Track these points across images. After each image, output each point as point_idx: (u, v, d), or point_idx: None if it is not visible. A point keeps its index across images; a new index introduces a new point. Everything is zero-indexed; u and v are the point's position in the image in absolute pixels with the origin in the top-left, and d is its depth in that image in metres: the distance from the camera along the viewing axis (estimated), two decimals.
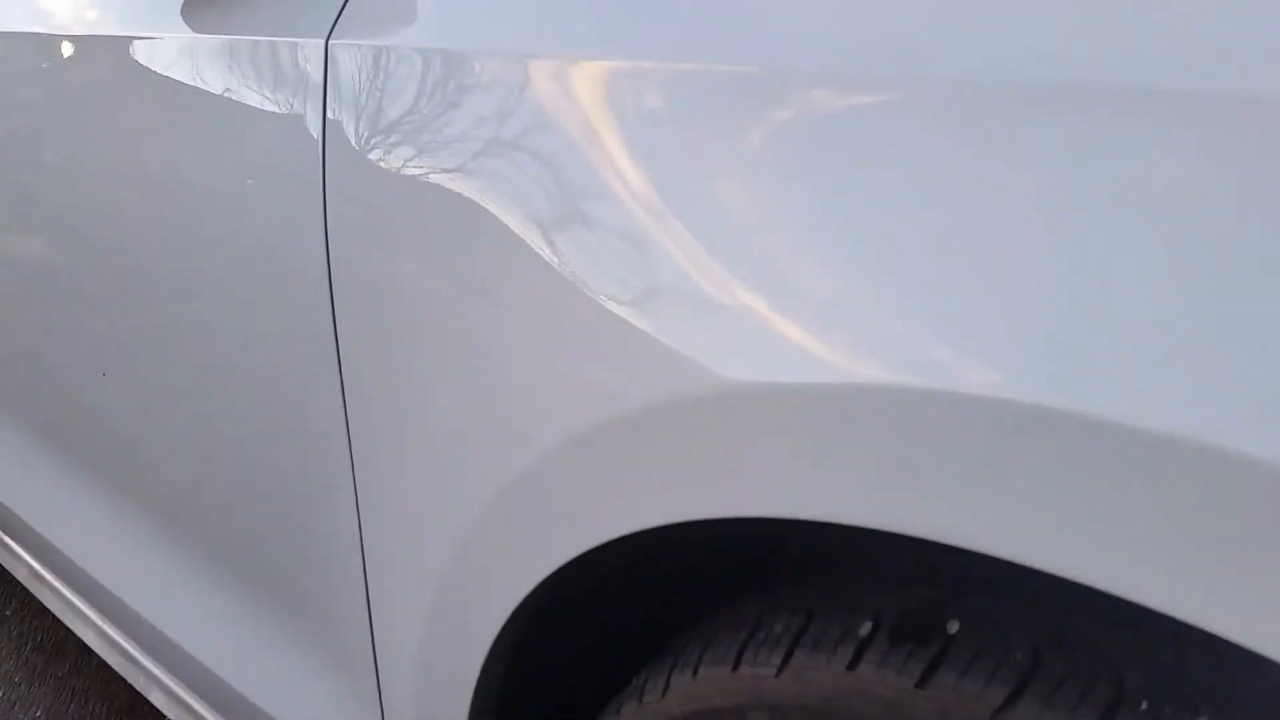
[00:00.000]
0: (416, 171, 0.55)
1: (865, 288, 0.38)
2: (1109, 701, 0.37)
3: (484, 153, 0.52)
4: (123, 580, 0.97)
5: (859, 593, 0.47)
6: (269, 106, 0.64)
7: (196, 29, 0.72)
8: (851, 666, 0.43)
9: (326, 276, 0.60)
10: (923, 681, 0.40)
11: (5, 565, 1.29)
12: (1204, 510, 0.31)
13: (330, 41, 0.60)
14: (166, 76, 0.73)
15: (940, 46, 0.38)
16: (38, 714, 1.37)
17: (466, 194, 0.52)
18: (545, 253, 0.49)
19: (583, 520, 0.50)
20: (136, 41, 0.77)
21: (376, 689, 0.69)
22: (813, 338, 0.39)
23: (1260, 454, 0.29)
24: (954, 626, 0.42)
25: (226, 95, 0.68)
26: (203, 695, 0.92)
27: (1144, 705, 0.36)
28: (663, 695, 0.51)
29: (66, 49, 0.86)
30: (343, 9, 0.61)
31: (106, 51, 0.81)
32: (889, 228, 0.38)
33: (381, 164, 0.57)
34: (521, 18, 0.52)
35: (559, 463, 0.50)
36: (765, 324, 0.41)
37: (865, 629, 0.44)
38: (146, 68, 0.76)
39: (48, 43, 0.89)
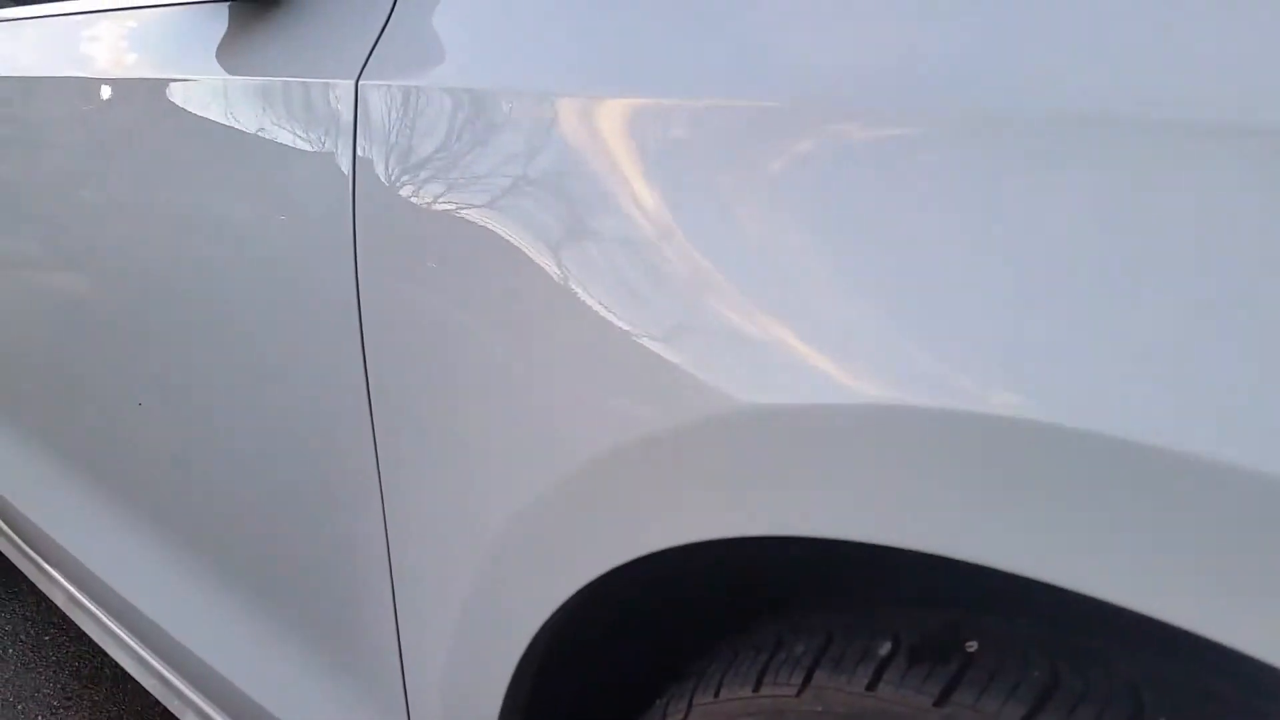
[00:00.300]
0: (444, 207, 0.57)
1: (881, 312, 0.40)
2: (1127, 718, 0.37)
3: (511, 189, 0.53)
4: (156, 603, 0.99)
5: (878, 615, 0.48)
6: (301, 145, 0.66)
7: (230, 71, 0.75)
8: (871, 686, 0.44)
9: (356, 306, 0.62)
10: (941, 700, 0.41)
11: (44, 590, 1.32)
12: (1220, 525, 0.31)
13: (360, 82, 0.62)
14: (201, 117, 0.76)
15: (955, 78, 0.39)
16: None
17: (492, 227, 0.54)
18: (568, 282, 0.50)
19: (603, 542, 0.51)
20: (172, 84, 0.80)
21: (405, 712, 0.70)
22: (827, 361, 0.41)
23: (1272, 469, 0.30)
24: (973, 646, 0.43)
25: (259, 135, 0.70)
26: (236, 718, 0.93)
27: None
28: (685, 716, 0.52)
29: (105, 91, 0.89)
30: (372, 50, 0.63)
31: (143, 93, 0.84)
32: (904, 255, 0.39)
33: (410, 200, 0.59)
34: (546, 57, 0.54)
35: (581, 485, 0.51)
36: (782, 349, 0.42)
37: (885, 649, 0.45)
38: (182, 108, 0.79)
39: (87, 86, 0.92)
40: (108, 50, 0.92)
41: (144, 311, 0.86)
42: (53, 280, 1.04)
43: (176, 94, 0.79)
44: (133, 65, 0.87)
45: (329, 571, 0.73)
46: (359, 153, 0.61)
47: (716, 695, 0.50)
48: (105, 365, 0.95)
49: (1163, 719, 0.37)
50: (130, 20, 0.90)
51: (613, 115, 0.49)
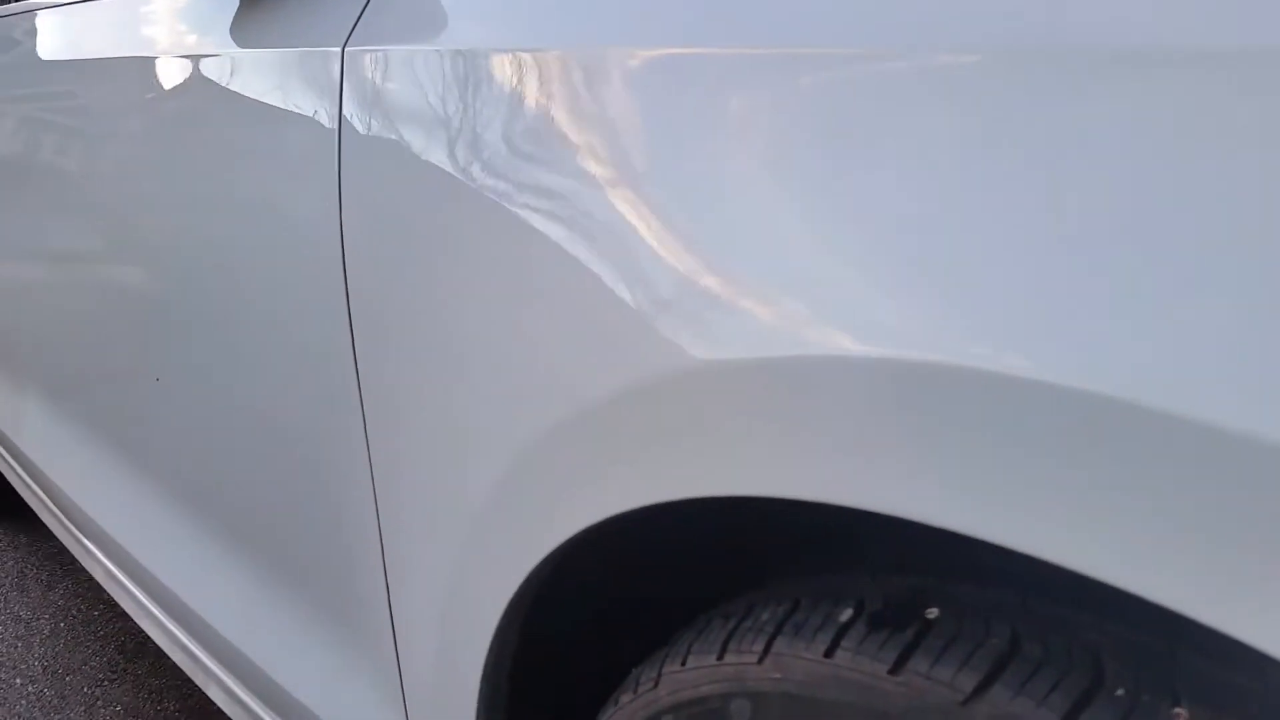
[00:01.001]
0: (423, 167, 0.56)
1: (836, 265, 0.38)
2: (1085, 688, 0.35)
3: (479, 144, 0.53)
4: (176, 575, 1.00)
5: (847, 581, 0.46)
6: (295, 111, 0.67)
7: (239, 45, 0.76)
8: (829, 653, 0.42)
9: (342, 273, 0.62)
10: (896, 667, 0.39)
11: (86, 566, 1.36)
12: (1186, 492, 0.29)
13: (346, 49, 0.62)
14: (207, 91, 0.77)
15: (941, 21, 0.37)
16: (117, 710, 1.44)
17: (463, 185, 0.53)
18: (535, 243, 0.50)
19: (573, 504, 0.50)
20: (177, 60, 0.81)
21: (399, 683, 0.70)
22: (781, 315, 0.39)
23: (1248, 430, 0.27)
24: (933, 613, 0.41)
25: (258, 105, 0.71)
26: (255, 691, 0.94)
27: (1120, 692, 0.34)
28: (655, 685, 0.51)
29: (124, 68, 0.91)
30: (359, 18, 0.63)
31: (149, 71, 0.85)
32: (863, 205, 0.37)
33: (390, 160, 0.58)
34: (527, 16, 0.53)
35: (548, 449, 0.50)
36: (737, 303, 0.41)
37: (845, 615, 0.43)
38: (187, 83, 0.80)
39: (106, 66, 0.94)
40: (125, 30, 0.93)
41: (161, 284, 0.87)
42: (81, 263, 1.07)
43: (181, 70, 0.80)
44: (142, 43, 0.89)
45: (326, 540, 0.74)
46: (345, 115, 0.61)
47: (683, 663, 0.49)
48: (125, 342, 0.97)
49: (1122, 689, 0.34)
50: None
51: (570, 70, 0.49)
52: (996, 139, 0.34)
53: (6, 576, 1.82)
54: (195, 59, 0.80)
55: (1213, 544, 0.29)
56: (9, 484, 1.67)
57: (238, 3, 0.79)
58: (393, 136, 0.58)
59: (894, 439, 0.35)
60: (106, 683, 1.50)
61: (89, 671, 1.53)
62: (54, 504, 1.40)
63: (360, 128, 0.60)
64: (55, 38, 1.12)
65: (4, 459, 1.62)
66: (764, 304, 0.40)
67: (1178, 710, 0.33)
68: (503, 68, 0.52)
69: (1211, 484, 0.28)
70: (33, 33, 1.18)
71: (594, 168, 0.47)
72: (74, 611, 1.70)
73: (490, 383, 0.54)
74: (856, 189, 0.37)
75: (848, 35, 0.39)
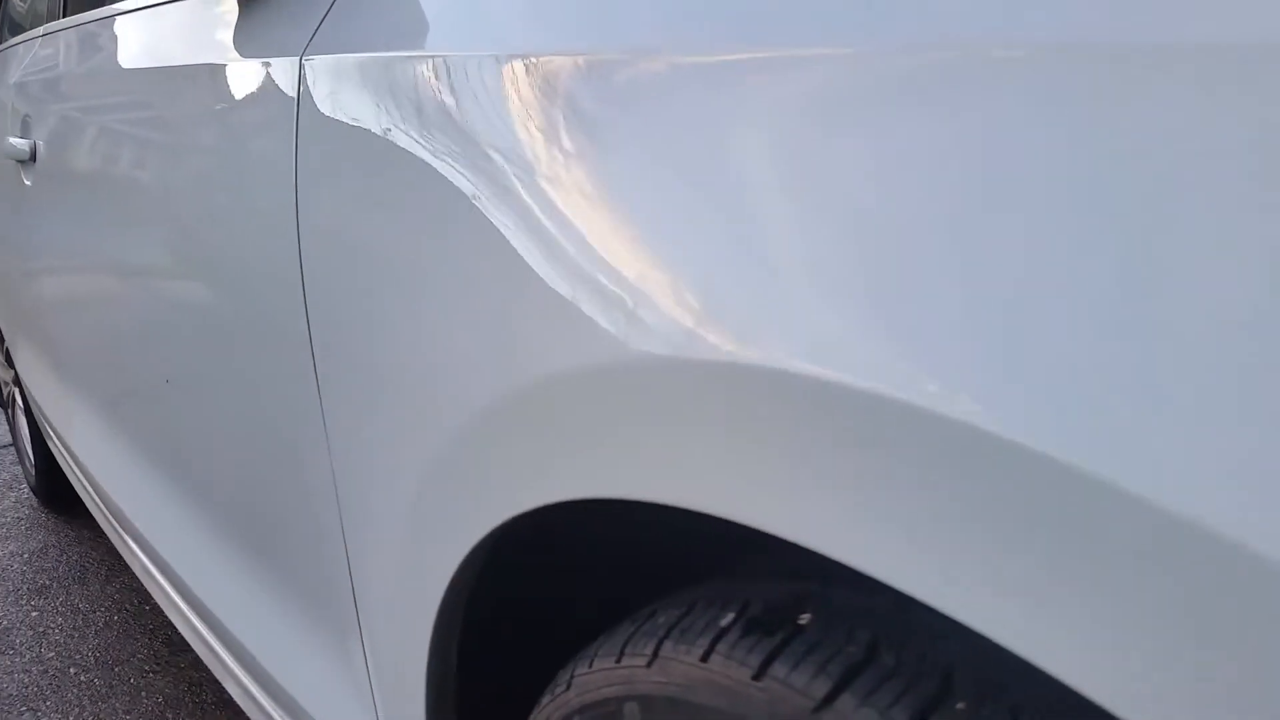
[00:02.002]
0: (374, 161, 0.57)
1: (668, 272, 0.37)
2: (928, 699, 0.34)
3: (426, 141, 0.54)
4: (187, 567, 1.04)
5: (745, 586, 0.45)
6: (256, 120, 0.69)
7: (243, 55, 0.79)
8: (705, 657, 0.41)
9: (298, 257, 0.64)
10: (760, 673, 0.38)
11: (127, 561, 1.42)
12: (930, 480, 0.28)
13: (303, 58, 0.64)
14: (198, 100, 0.80)
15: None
16: (159, 700, 1.49)
17: (410, 183, 0.54)
18: (482, 228, 0.49)
19: (491, 498, 0.50)
20: (181, 69, 0.85)
21: (365, 663, 0.72)
22: (658, 317, 0.39)
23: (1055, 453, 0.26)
24: (805, 618, 0.40)
25: (223, 115, 0.73)
26: (264, 687, 0.97)
27: (960, 705, 0.33)
28: (567, 687, 0.51)
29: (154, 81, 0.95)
30: (317, 29, 0.65)
31: (163, 81, 0.89)
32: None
33: (342, 150, 0.60)
34: (478, 24, 0.54)
35: (474, 435, 0.50)
36: (625, 304, 0.40)
37: (726, 619, 0.42)
38: (186, 93, 0.83)
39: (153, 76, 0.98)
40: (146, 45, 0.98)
41: (157, 288, 0.91)
42: (108, 267, 1.12)
43: (180, 78, 0.84)
44: (164, 55, 0.93)
45: (291, 514, 0.76)
46: (301, 123, 0.63)
47: (590, 666, 0.49)
48: (136, 341, 1.01)
49: (963, 702, 0.33)
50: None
51: (520, 74, 0.49)
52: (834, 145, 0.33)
53: (70, 570, 1.91)
54: (190, 69, 0.83)
55: (949, 531, 0.28)
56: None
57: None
58: (344, 135, 0.60)
59: (715, 441, 0.35)
60: (151, 673, 1.56)
61: (136, 663, 1.59)
62: (99, 499, 1.46)
63: (315, 133, 0.62)
64: (118, 47, 1.18)
65: (64, 457, 1.71)
66: (645, 306, 0.40)
67: None
68: (443, 73, 0.53)
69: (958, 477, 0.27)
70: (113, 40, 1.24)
71: (530, 167, 0.47)
72: (128, 605, 1.77)
73: (425, 371, 0.55)
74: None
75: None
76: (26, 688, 1.54)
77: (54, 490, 2.08)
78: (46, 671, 1.58)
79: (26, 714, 1.48)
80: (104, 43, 1.10)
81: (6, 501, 2.26)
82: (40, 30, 1.47)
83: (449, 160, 0.52)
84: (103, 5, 1.15)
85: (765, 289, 0.34)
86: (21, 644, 1.66)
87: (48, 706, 1.49)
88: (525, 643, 0.64)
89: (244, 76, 0.72)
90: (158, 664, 1.59)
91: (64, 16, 1.34)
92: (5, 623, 1.73)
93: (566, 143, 0.46)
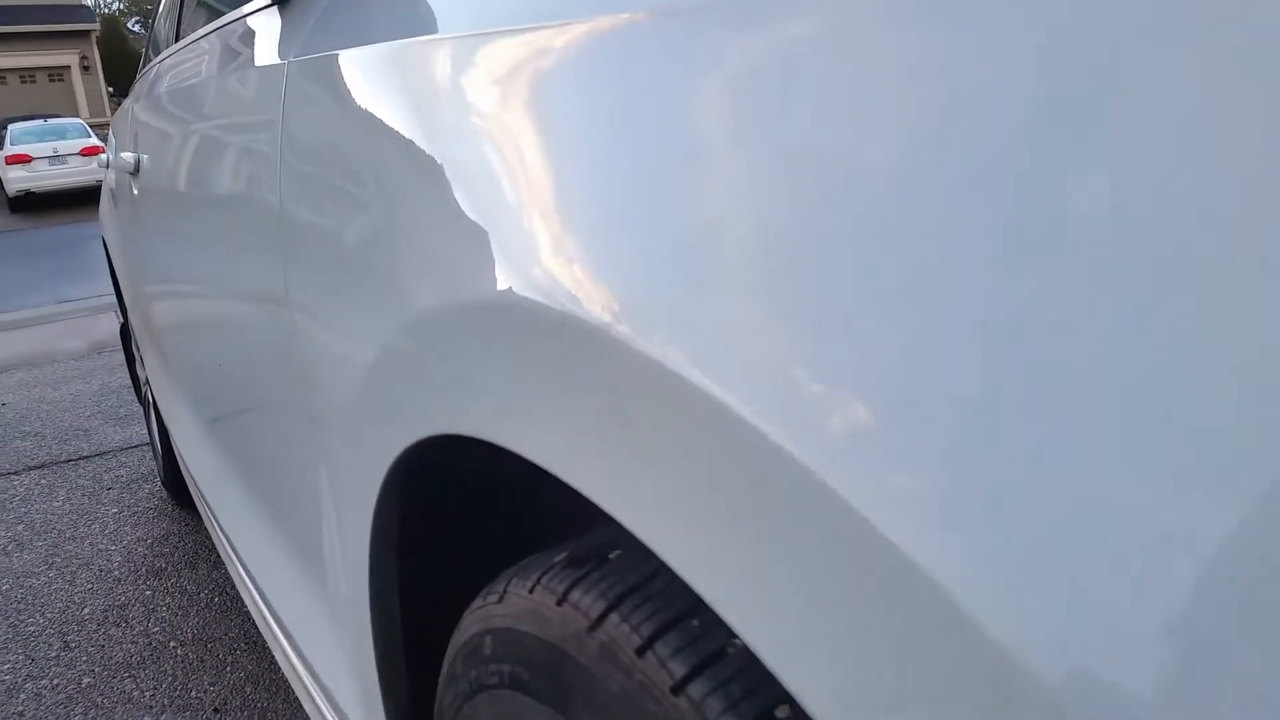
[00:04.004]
0: (345, 149, 0.62)
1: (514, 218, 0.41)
2: (670, 617, 0.36)
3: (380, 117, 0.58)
4: (240, 537, 1.13)
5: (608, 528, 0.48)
6: (252, 121, 0.76)
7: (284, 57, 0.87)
8: (531, 589, 0.44)
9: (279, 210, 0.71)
10: (562, 599, 0.41)
11: (215, 543, 1.54)
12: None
13: (290, 60, 0.71)
14: (219, 100, 0.89)
15: None
16: (241, 675, 1.61)
17: (370, 148, 0.59)
18: (416, 173, 0.53)
19: (408, 412, 0.53)
20: (231, 75, 0.94)
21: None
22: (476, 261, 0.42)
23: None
24: (615, 554, 0.42)
25: (230, 120, 0.81)
26: (298, 654, 1.04)
27: (695, 623, 0.35)
28: (459, 624, 0.54)
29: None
30: (305, 34, 0.72)
31: (213, 91, 0.99)
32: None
33: (319, 148, 0.66)
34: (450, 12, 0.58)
35: (388, 360, 0.54)
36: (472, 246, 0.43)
37: (559, 557, 0.45)
38: (222, 95, 0.92)
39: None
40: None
41: (202, 283, 1.01)
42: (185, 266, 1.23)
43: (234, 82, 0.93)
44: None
45: (291, 465, 0.82)
46: (286, 117, 0.70)
47: (470, 606, 0.52)
48: (183, 322, 1.11)
49: (696, 621, 0.35)
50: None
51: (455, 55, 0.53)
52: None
53: (183, 556, 2.08)
54: (246, 72, 0.92)
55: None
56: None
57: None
58: (321, 133, 0.66)
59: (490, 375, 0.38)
60: (239, 651, 1.68)
61: (228, 640, 1.72)
62: (196, 486, 1.60)
63: (296, 129, 0.69)
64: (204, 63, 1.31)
65: (175, 447, 1.86)
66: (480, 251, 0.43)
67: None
68: (396, 61, 0.58)
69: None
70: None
71: (461, 141, 0.50)
72: (228, 589, 1.91)
73: (363, 294, 0.58)
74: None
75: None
76: (131, 656, 1.69)
77: (178, 483, 2.27)
78: (150, 644, 1.73)
79: (128, 680, 1.62)
80: (188, 59, 1.22)
81: (143, 492, 2.48)
82: (163, 54, 1.63)
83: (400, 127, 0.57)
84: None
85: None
86: (134, 618, 1.82)
87: (146, 674, 1.63)
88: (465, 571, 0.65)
89: (249, 80, 0.79)
90: (246, 643, 1.71)
91: (176, 41, 1.49)
92: (124, 599, 1.90)
93: (524, 122, 0.49)
